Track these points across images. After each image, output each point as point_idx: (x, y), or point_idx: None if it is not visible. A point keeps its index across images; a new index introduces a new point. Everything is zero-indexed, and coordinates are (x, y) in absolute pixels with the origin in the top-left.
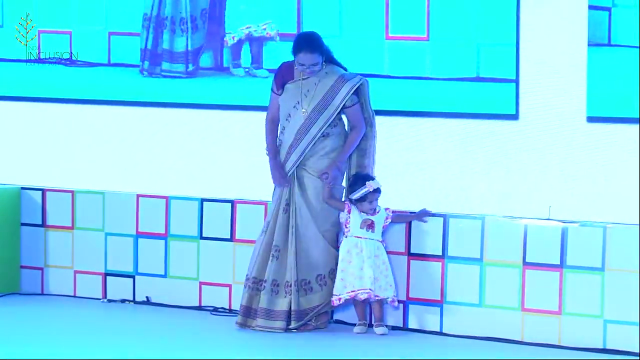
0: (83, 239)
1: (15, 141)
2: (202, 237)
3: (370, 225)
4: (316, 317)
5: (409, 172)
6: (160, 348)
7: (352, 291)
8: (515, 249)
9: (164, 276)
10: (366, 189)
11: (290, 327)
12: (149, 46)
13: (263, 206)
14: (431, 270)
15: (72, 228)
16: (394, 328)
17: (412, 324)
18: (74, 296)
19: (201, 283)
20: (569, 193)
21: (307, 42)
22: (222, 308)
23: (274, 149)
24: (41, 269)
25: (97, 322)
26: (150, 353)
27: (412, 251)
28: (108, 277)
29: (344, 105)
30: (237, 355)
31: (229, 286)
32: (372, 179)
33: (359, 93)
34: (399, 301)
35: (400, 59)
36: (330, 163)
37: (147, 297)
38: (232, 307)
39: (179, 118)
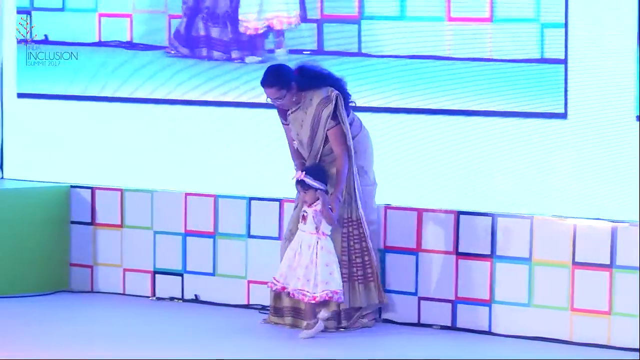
0: (132, 237)
1: (65, 140)
2: (250, 236)
3: (303, 217)
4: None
5: (457, 170)
6: (208, 346)
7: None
8: (565, 248)
9: (212, 274)
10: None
11: (340, 326)
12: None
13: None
14: (479, 270)
15: (121, 226)
16: (442, 327)
17: (460, 324)
18: (123, 294)
19: (249, 281)
20: (618, 192)
21: (264, 77)
22: (269, 306)
23: (301, 164)
24: (90, 267)
25: (145, 320)
26: (198, 351)
27: (460, 250)
28: (157, 275)
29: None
30: (286, 355)
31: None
32: (314, 171)
33: (335, 115)
34: (451, 301)
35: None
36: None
37: (195, 295)
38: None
39: (227, 116)
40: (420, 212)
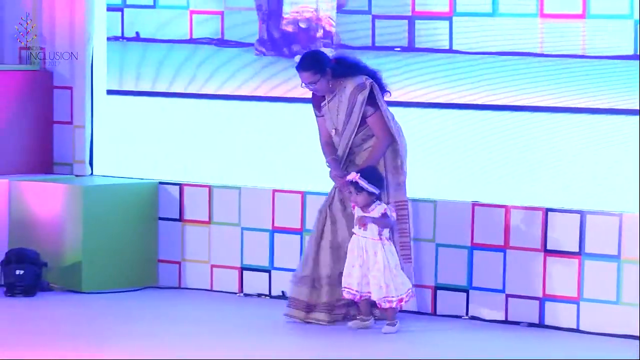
0: (219, 234)
1: (153, 136)
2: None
3: (362, 224)
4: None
5: (545, 166)
6: (295, 343)
7: (343, 287)
8: None
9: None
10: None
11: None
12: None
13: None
14: (567, 267)
15: (208, 223)
16: (530, 325)
17: (548, 321)
18: (211, 290)
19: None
20: None
21: (300, 62)
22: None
23: (334, 160)
24: (178, 263)
25: (232, 316)
26: (286, 348)
27: (548, 247)
28: (244, 272)
29: (364, 116)
30: (374, 351)
31: None
32: (369, 174)
33: (373, 100)
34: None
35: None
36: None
37: (282, 292)
38: None
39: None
40: (507, 208)
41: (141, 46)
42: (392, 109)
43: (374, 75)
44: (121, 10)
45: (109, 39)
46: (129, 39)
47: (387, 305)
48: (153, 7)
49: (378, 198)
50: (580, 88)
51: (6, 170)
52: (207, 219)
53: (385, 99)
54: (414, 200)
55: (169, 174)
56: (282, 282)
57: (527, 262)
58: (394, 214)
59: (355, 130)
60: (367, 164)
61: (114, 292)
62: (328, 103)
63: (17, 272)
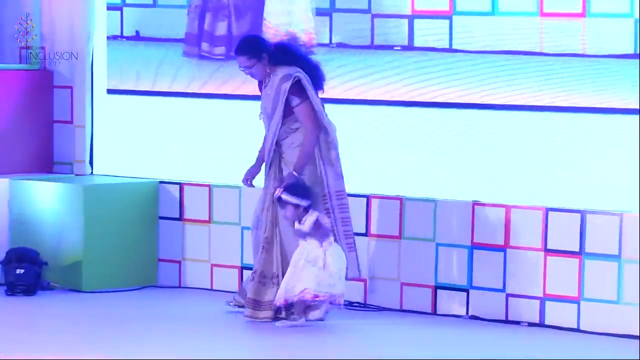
0: (220, 233)
1: (153, 136)
2: (369, 234)
3: (302, 235)
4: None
5: (542, 165)
6: (298, 342)
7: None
8: None
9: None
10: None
11: (276, 316)
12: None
13: (398, 201)
14: (568, 267)
15: (209, 222)
16: (530, 324)
17: (549, 321)
18: (211, 289)
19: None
20: None
21: (236, 46)
22: (357, 302)
23: (261, 156)
24: (179, 262)
25: (232, 315)
26: (285, 348)
27: (548, 247)
28: (244, 271)
29: (288, 106)
30: (366, 353)
31: (364, 281)
32: (293, 187)
33: (301, 91)
34: None
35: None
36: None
37: None
38: (368, 302)
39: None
40: (508, 208)
41: (141, 45)
42: (392, 108)
43: (314, 68)
44: (120, 9)
45: (108, 38)
46: (128, 38)
47: (295, 299)
48: (153, 6)
49: (308, 208)
50: (580, 87)
51: (7, 170)
52: (207, 218)
53: (324, 95)
54: (412, 200)
55: (169, 173)
56: None
57: (527, 262)
58: (327, 220)
59: (281, 122)
60: (301, 159)
61: (115, 291)
62: (265, 86)
63: (18, 271)
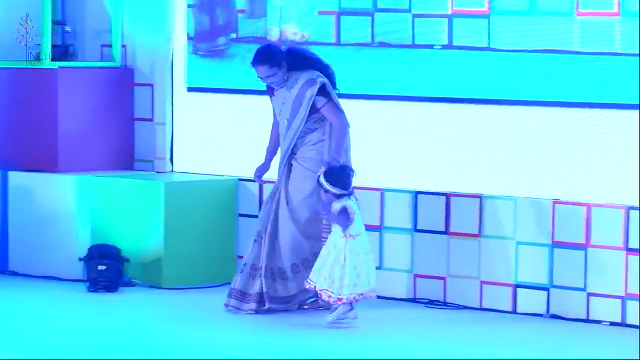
0: None
1: (233, 133)
2: (416, 230)
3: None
4: (311, 304)
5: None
6: (369, 341)
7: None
8: None
9: (379, 268)
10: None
11: (264, 308)
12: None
13: (478, 199)
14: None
15: None
16: (612, 324)
17: (630, 321)
18: None
19: (415, 275)
20: None
21: (256, 56)
22: (436, 301)
23: (269, 153)
24: None
25: (313, 312)
26: (364, 347)
27: (629, 246)
28: None
29: (313, 108)
30: (446, 352)
31: (444, 279)
32: (331, 173)
33: (325, 92)
34: None
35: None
36: (315, 155)
37: None
38: (447, 300)
39: (403, 109)
40: (589, 207)
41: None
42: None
43: (326, 70)
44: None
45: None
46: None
47: (326, 299)
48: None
49: (340, 196)
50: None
51: (88, 167)
52: None
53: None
54: (491, 198)
55: (249, 171)
56: None
57: (608, 261)
58: (353, 212)
59: (303, 123)
60: (336, 149)
61: (194, 288)
62: (280, 89)
63: (100, 267)
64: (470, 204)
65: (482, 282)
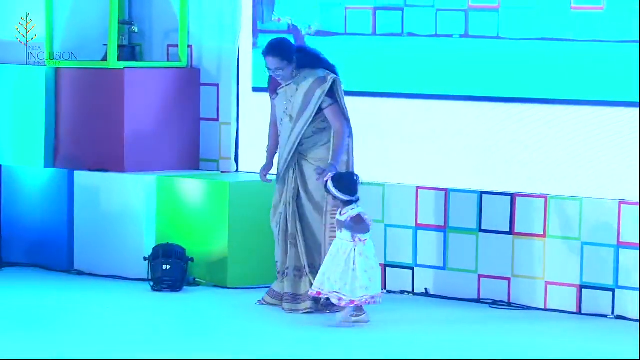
0: None
1: None
2: (481, 230)
3: (339, 225)
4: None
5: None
6: (438, 341)
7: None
8: None
9: (443, 268)
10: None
11: (320, 304)
12: None
13: (543, 199)
14: None
15: None
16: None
17: None
18: None
19: (480, 276)
20: None
21: (268, 47)
22: (501, 301)
23: (271, 152)
24: None
25: (375, 313)
26: (428, 347)
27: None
28: (388, 269)
29: (320, 107)
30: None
31: (508, 279)
32: (340, 179)
33: (333, 93)
34: None
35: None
36: (327, 154)
37: (425, 289)
38: (511, 300)
39: (456, 109)
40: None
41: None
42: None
43: (333, 70)
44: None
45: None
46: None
47: (336, 302)
48: None
49: (349, 202)
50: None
51: (154, 167)
52: None
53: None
54: (557, 199)
55: None
56: (426, 280)
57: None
58: (369, 217)
59: (310, 122)
60: (335, 155)
61: (259, 287)
62: (282, 88)
63: (164, 267)
64: (536, 204)
65: (547, 283)
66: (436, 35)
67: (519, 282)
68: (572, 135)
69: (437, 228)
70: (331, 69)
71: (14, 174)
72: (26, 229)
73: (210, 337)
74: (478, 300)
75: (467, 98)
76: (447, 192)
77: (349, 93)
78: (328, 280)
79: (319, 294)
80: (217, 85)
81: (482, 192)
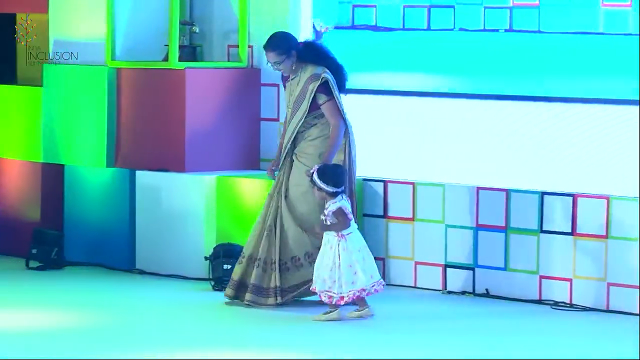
0: (423, 231)
1: (357, 133)
2: (542, 230)
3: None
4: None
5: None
6: (497, 343)
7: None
8: None
9: (504, 269)
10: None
11: (277, 302)
12: None
13: (605, 200)
14: None
15: (412, 220)
16: None
17: None
18: (414, 287)
19: (541, 277)
20: None
21: (267, 41)
22: (562, 302)
23: (280, 148)
24: (382, 259)
25: (435, 313)
26: (487, 348)
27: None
28: (448, 269)
29: (315, 104)
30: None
31: (570, 280)
32: (325, 171)
33: (327, 90)
34: None
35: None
36: (313, 151)
37: (486, 290)
38: (573, 302)
39: (513, 109)
40: None
41: (360, 36)
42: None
43: (339, 70)
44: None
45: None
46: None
47: (327, 300)
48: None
49: (334, 194)
50: None
51: (214, 166)
52: (410, 216)
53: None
54: (620, 199)
55: (374, 171)
56: (486, 280)
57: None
58: (349, 211)
59: (304, 117)
60: (327, 152)
61: None
62: (291, 80)
63: (225, 266)
64: (597, 205)
65: (609, 284)
66: (484, 30)
67: (581, 283)
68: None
69: (497, 229)
70: (338, 69)
71: (76, 174)
72: (88, 228)
73: (268, 335)
74: (539, 301)
75: (524, 98)
76: (507, 192)
77: (409, 93)
78: (319, 279)
79: (314, 290)
80: (277, 85)
81: (543, 193)
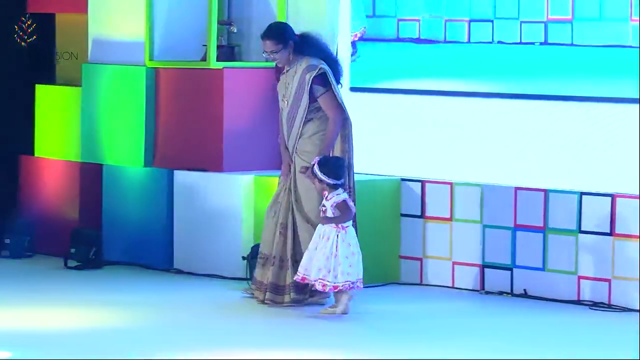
0: (461, 231)
1: (396, 133)
2: (580, 231)
3: (323, 211)
4: (311, 292)
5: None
6: (535, 344)
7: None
8: None
9: (542, 269)
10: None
11: (292, 298)
12: None
13: None
14: None
15: (450, 219)
16: None
17: None
18: (452, 287)
19: (579, 277)
20: None
21: (265, 30)
22: (601, 303)
23: (283, 140)
24: (420, 259)
25: (474, 314)
26: (522, 349)
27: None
28: (485, 269)
29: (312, 97)
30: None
31: (609, 281)
32: (326, 163)
33: (325, 82)
34: None
35: None
36: (312, 148)
37: (524, 290)
38: (612, 302)
39: (551, 110)
40: None
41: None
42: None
43: (335, 62)
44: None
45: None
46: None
47: (320, 288)
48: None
49: (335, 186)
50: None
51: (252, 167)
52: (448, 216)
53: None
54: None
55: (412, 171)
56: (525, 281)
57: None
58: (352, 204)
59: (305, 114)
60: (326, 144)
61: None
62: (286, 73)
63: None
64: (637, 205)
65: None
66: (520, 43)
67: (619, 283)
68: None
69: (536, 229)
70: (333, 62)
71: (114, 173)
72: (126, 228)
73: (310, 335)
74: (578, 302)
75: (565, 98)
76: (546, 192)
77: (448, 93)
78: (313, 267)
79: (304, 279)
80: None
81: (582, 193)
